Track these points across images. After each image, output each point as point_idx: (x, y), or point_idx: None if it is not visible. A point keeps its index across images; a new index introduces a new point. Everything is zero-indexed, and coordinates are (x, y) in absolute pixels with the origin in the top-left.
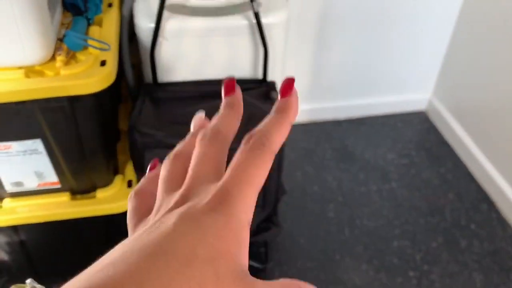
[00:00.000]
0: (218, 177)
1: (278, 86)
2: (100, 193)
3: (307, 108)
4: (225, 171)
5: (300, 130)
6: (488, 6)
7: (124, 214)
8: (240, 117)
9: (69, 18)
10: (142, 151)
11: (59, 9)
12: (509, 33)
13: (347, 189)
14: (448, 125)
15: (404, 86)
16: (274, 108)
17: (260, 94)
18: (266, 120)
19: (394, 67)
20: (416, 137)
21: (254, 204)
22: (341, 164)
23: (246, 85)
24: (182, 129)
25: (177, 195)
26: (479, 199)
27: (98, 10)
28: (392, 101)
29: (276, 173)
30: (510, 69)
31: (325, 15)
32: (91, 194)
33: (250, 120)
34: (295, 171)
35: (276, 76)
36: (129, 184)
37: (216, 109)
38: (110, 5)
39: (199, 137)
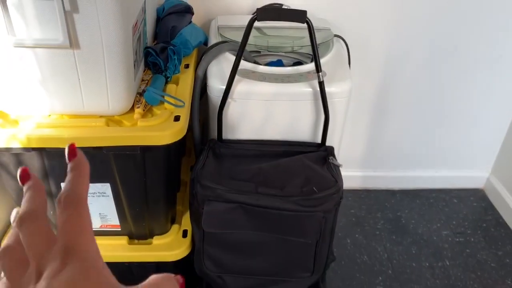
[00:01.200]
0: (52, 244)
1: (336, 151)
2: (157, 240)
3: (360, 175)
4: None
5: (352, 196)
6: None
7: (176, 262)
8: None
9: (149, 75)
10: (202, 203)
11: (142, 66)
12: None
13: (398, 263)
14: (507, 205)
15: (462, 161)
16: (68, 169)
17: (318, 158)
18: (65, 181)
19: (453, 141)
20: (472, 215)
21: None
22: (392, 235)
23: (306, 148)
24: (240, 185)
25: (32, 277)
26: None
27: (176, 70)
28: (449, 176)
29: (329, 239)
30: None
31: (385, 86)
32: (148, 240)
33: (308, 182)
34: (345, 238)
35: (335, 142)
36: (184, 234)
37: (274, 168)
38: (187, 66)
39: (15, 224)
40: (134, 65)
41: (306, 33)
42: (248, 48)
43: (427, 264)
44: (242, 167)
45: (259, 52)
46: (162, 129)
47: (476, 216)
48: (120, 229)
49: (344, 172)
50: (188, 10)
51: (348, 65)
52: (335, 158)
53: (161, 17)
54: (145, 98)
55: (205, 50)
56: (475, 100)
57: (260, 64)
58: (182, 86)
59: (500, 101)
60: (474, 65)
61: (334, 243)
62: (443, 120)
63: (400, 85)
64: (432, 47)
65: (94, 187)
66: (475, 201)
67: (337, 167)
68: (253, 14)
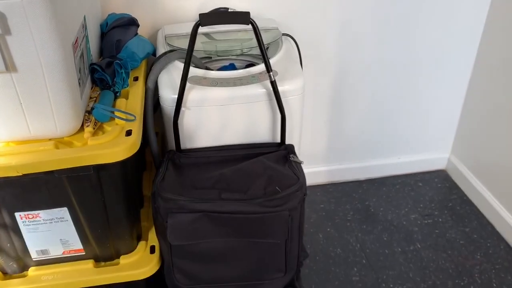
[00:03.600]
0: None
1: (297, 148)
2: (124, 260)
3: (325, 169)
4: None
5: (320, 191)
6: (502, 62)
7: (147, 279)
8: None
9: (97, 91)
10: (165, 216)
11: (88, 84)
12: None
13: (371, 251)
14: (469, 183)
15: (423, 145)
16: None
17: (279, 157)
18: None
19: (412, 127)
20: (438, 196)
21: None
22: (363, 225)
23: (266, 149)
24: (203, 193)
25: None
26: (509, 259)
27: (125, 84)
28: (412, 160)
29: (297, 236)
30: None
31: (340, 80)
32: (115, 261)
33: (271, 182)
34: (317, 233)
35: (295, 139)
36: (152, 250)
37: (235, 172)
38: (136, 78)
39: None
40: (79, 83)
41: (254, 35)
42: (198, 54)
43: (399, 249)
44: (203, 175)
45: (210, 57)
46: (114, 145)
47: (442, 197)
48: (84, 253)
49: (309, 168)
50: (133, 23)
51: (299, 62)
52: (295, 155)
53: (105, 32)
54: (94, 116)
55: (154, 61)
56: (427, 84)
57: (212, 70)
58: (132, 99)
59: (452, 83)
60: (423, 49)
61: (307, 239)
62: (399, 107)
63: (354, 77)
64: (382, 36)
65: (51, 213)
66: (439, 182)
67: (298, 164)
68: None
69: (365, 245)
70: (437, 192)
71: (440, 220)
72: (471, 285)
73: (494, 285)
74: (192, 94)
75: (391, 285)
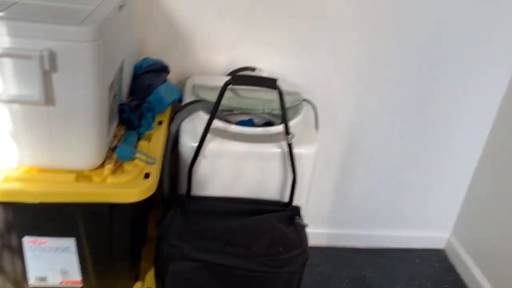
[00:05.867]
0: None
1: (303, 210)
2: None
3: (326, 232)
4: None
5: (319, 254)
6: (508, 148)
7: None
8: None
9: (122, 131)
10: (167, 261)
11: (115, 122)
12: None
13: None
14: (466, 266)
15: (424, 222)
16: None
17: (285, 218)
18: None
19: (416, 202)
20: (434, 276)
21: None
22: None
23: (273, 206)
24: (207, 243)
25: None
26: None
27: (150, 127)
28: (412, 236)
29: None
30: None
31: (351, 147)
32: None
33: (274, 242)
34: None
35: (302, 201)
36: None
37: (241, 226)
38: (160, 122)
39: None
40: (109, 121)
41: (277, 96)
42: (221, 107)
43: None
44: (209, 225)
45: (232, 110)
46: (131, 186)
47: (438, 277)
48: (81, 285)
49: (311, 229)
50: (165, 69)
51: (315, 128)
52: (301, 218)
53: (138, 74)
54: (116, 154)
55: (179, 108)
56: (435, 162)
57: (232, 122)
58: (155, 143)
59: (460, 165)
60: (436, 127)
61: None
62: (405, 180)
63: (365, 147)
64: (398, 110)
65: (58, 242)
66: (437, 262)
67: (303, 227)
68: (227, 79)
69: None
70: (434, 272)
71: None
72: None
73: None
74: (211, 144)
75: None
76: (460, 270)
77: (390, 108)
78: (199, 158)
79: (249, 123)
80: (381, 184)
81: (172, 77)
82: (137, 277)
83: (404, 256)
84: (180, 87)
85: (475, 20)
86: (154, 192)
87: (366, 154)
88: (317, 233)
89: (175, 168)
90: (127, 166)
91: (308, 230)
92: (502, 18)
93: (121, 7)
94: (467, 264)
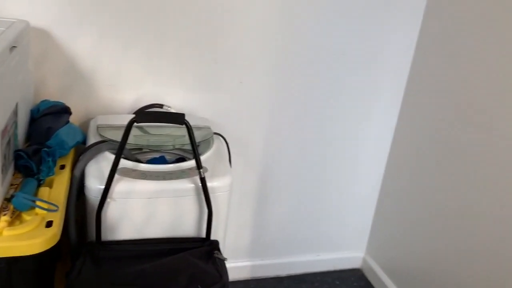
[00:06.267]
0: None
1: (222, 244)
2: None
3: (248, 264)
4: None
5: (242, 287)
6: (409, 174)
7: None
8: None
9: (19, 178)
10: None
11: (11, 170)
12: (429, 192)
13: None
14: (382, 282)
15: (340, 244)
16: None
17: (203, 253)
18: None
19: (331, 225)
20: None
21: None
22: None
23: (190, 244)
24: None
25: None
26: None
27: (50, 172)
28: (331, 258)
29: None
30: (436, 229)
31: (266, 176)
32: None
33: (193, 279)
34: None
35: (220, 235)
36: None
37: (157, 268)
38: (62, 167)
39: None
40: (2, 169)
41: (186, 132)
42: (128, 146)
43: None
44: (123, 270)
45: (141, 149)
46: (31, 237)
47: None
48: None
49: (233, 263)
50: (65, 111)
51: (228, 160)
52: (220, 252)
53: (35, 117)
54: (13, 204)
55: (83, 150)
56: (343, 186)
57: (142, 161)
58: (57, 188)
59: (365, 188)
60: (334, 154)
61: None
62: (320, 206)
63: (279, 175)
64: (302, 139)
65: None
66: (355, 281)
67: (222, 261)
68: (133, 116)
69: None
70: None
71: None
72: None
73: None
74: (120, 185)
75: None
76: (377, 286)
77: (297, 135)
78: (107, 200)
79: (161, 160)
80: (297, 210)
81: (74, 119)
82: None
83: (324, 279)
84: (84, 128)
85: (368, 25)
86: (60, 242)
87: (280, 182)
88: (239, 266)
89: (82, 214)
90: (26, 216)
91: (230, 264)
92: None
93: (12, 48)
94: (383, 279)
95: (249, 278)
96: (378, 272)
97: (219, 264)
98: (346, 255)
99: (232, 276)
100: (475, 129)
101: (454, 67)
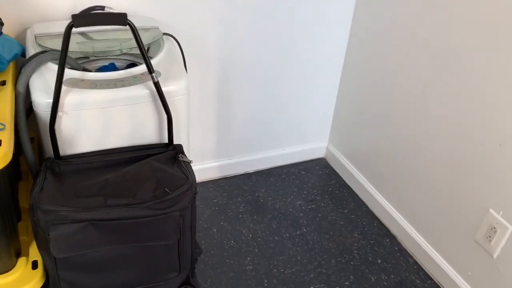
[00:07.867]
0: None
1: (186, 147)
2: (2, 279)
3: (216, 164)
4: None
5: (212, 186)
6: (365, 66)
7: None
8: None
9: None
10: (46, 229)
11: None
12: (385, 84)
13: (262, 240)
14: (345, 169)
15: (304, 137)
16: None
17: (168, 158)
18: None
19: (293, 120)
20: (319, 183)
21: None
22: (254, 215)
23: (153, 150)
24: (87, 201)
25: None
26: (381, 234)
27: None
28: (295, 151)
29: (190, 235)
30: (390, 114)
31: (224, 76)
32: None
33: (160, 184)
34: (211, 228)
35: (183, 139)
36: (34, 266)
37: (122, 176)
38: (3, 83)
39: None
40: None
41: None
42: (74, 55)
43: (288, 235)
44: (86, 182)
45: (88, 57)
46: None
47: (322, 183)
48: None
49: (201, 165)
50: None
51: (182, 61)
52: (184, 155)
53: None
54: None
55: (23, 63)
56: (304, 82)
57: (91, 71)
58: (0, 106)
59: (324, 80)
60: (297, 50)
61: (201, 235)
62: (281, 102)
63: (237, 74)
64: (260, 34)
65: None
66: (320, 170)
67: (187, 163)
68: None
69: (256, 234)
70: (318, 179)
71: (322, 204)
72: (351, 261)
73: (370, 258)
74: (69, 97)
75: (282, 270)
76: (340, 172)
77: (254, 27)
78: (59, 114)
79: (111, 67)
80: (258, 109)
81: (8, 29)
82: (19, 253)
83: (290, 171)
84: (20, 40)
85: None
86: (19, 162)
87: (239, 82)
88: (208, 167)
89: (38, 131)
90: None
91: (198, 166)
92: None
93: None
94: (345, 166)
95: (219, 178)
96: (340, 159)
97: (185, 167)
98: (310, 146)
99: (202, 177)
100: None
101: None
